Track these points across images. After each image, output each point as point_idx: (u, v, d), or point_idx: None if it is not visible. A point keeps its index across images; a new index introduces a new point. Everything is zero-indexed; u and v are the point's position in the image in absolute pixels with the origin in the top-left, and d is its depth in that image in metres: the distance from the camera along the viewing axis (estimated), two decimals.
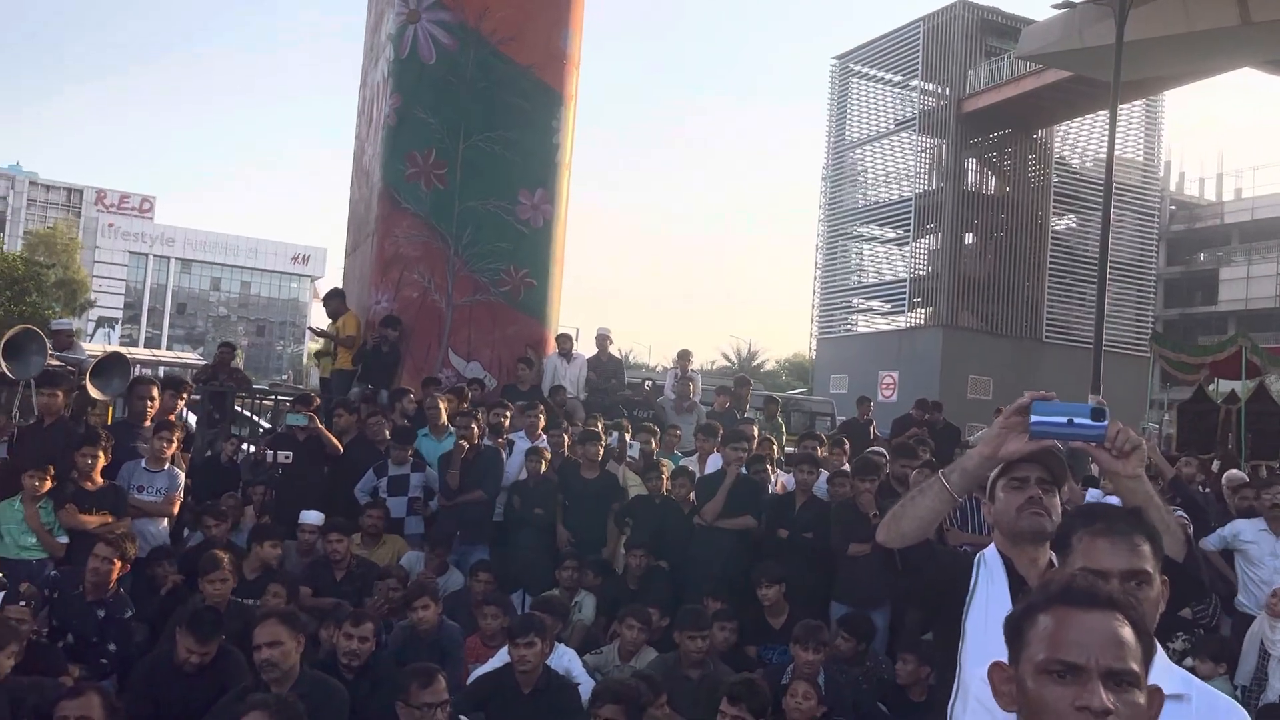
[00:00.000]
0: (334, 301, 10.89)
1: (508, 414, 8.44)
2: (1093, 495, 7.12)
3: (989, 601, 2.53)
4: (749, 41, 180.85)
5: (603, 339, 11.66)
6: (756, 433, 9.31)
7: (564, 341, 11.04)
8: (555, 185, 11.27)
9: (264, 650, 4.33)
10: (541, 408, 8.80)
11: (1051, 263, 37.22)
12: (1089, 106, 34.76)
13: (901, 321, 38.56)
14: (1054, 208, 37.82)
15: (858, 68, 40.59)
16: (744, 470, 7.31)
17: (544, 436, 8.38)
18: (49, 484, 6.11)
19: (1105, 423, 2.26)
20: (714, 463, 7.87)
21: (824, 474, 7.63)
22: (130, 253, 75.29)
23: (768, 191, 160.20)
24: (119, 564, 5.54)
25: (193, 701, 4.53)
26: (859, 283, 41.04)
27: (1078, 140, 38.99)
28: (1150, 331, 33.32)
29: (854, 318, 41.58)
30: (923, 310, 37.68)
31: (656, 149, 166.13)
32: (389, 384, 9.52)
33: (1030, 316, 36.82)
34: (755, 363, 59.13)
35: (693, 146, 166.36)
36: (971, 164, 37.81)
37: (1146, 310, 39.78)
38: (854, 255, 41.61)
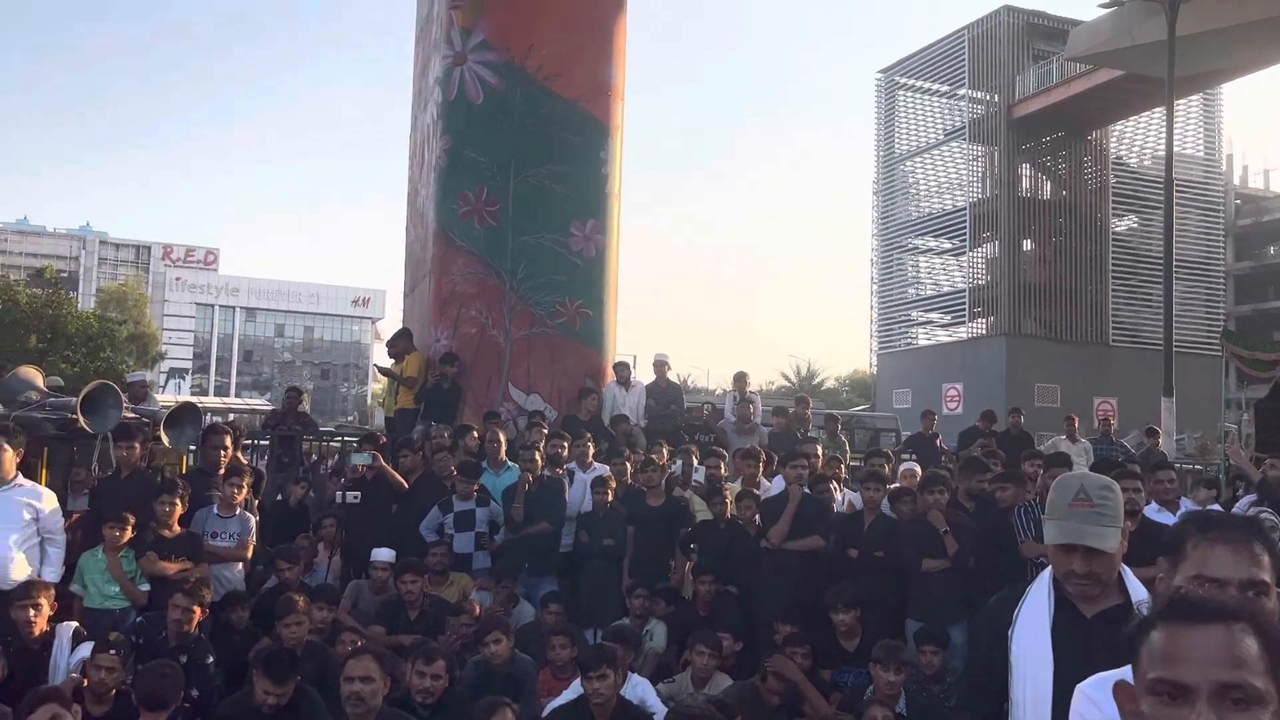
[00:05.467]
0: (400, 342, 11.05)
1: (565, 444, 8.48)
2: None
3: (1028, 621, 2.50)
4: (789, 61, 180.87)
5: (661, 365, 11.67)
6: (821, 452, 9.23)
7: (622, 370, 11.07)
8: (606, 216, 11.36)
9: (356, 683, 4.39)
10: (589, 436, 8.83)
11: (1114, 265, 36.49)
12: (1144, 104, 34.16)
13: (963, 332, 38.03)
14: (1114, 209, 37.12)
15: (904, 80, 40.36)
16: (808, 490, 7.24)
17: (596, 465, 8.41)
18: (129, 533, 6.26)
19: None
20: (777, 484, 7.82)
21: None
22: (197, 304, 77.26)
23: (818, 209, 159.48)
24: (198, 610, 5.66)
25: None
26: (917, 295, 40.59)
27: (1134, 139, 38.29)
28: (1221, 330, 32.41)
29: (914, 331, 41.11)
30: (984, 320, 37.12)
31: (704, 174, 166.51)
32: (451, 420, 9.62)
33: (1096, 321, 36.08)
34: (815, 381, 58.69)
35: (739, 169, 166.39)
36: (1025, 170, 37.30)
37: (1217, 308, 38.76)
38: (910, 268, 41.20)
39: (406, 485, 8.09)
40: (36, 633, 5.28)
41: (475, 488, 7.87)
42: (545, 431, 8.81)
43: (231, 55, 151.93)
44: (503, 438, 8.54)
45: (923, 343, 40.32)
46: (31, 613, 5.26)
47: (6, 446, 5.85)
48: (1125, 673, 1.98)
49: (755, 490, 7.81)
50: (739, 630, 6.39)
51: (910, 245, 40.85)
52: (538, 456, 7.93)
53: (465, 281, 10.78)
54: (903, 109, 40.67)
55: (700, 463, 8.71)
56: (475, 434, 8.80)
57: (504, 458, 8.39)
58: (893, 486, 7.52)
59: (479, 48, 11.00)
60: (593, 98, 11.31)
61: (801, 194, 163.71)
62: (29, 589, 5.38)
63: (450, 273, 10.85)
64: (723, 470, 8.31)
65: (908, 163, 40.54)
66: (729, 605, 6.93)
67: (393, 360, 10.99)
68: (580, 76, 11.22)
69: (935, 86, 39.35)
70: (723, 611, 6.82)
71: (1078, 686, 2.06)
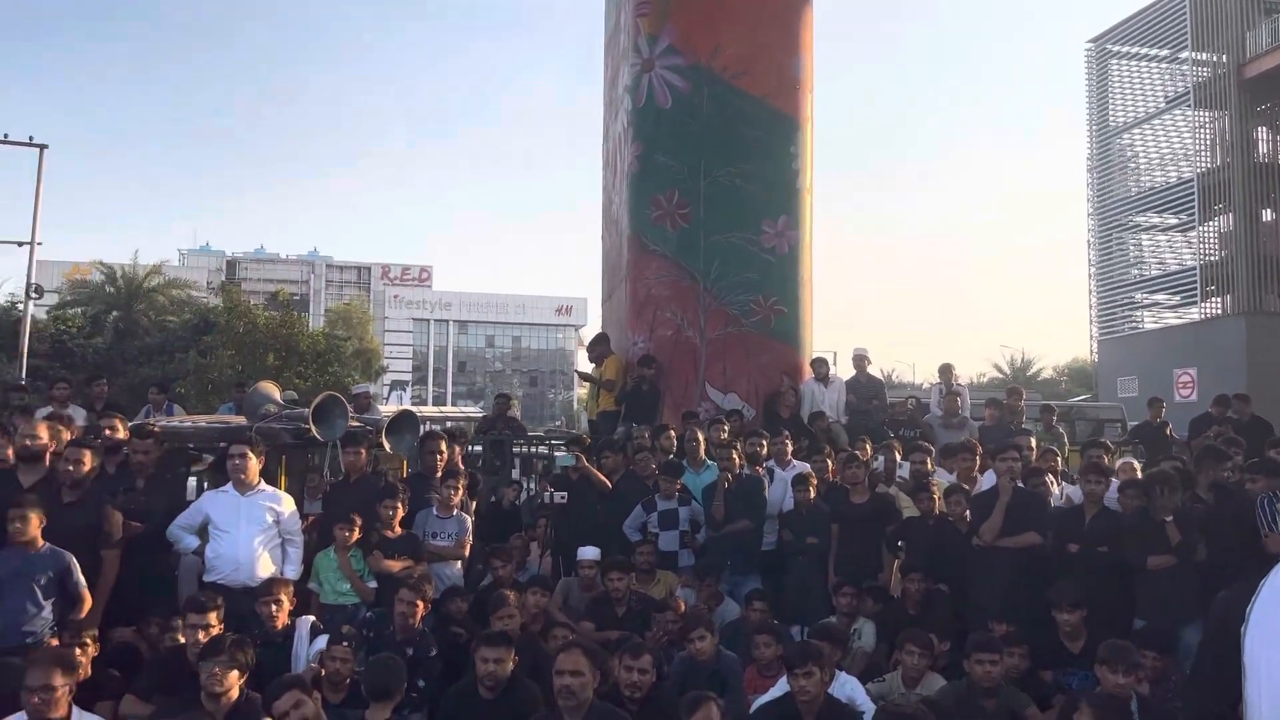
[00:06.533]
0: (598, 347, 11.35)
1: (763, 442, 8.44)
2: None
3: (1263, 618, 2.29)
4: (986, 40, 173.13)
5: (860, 359, 11.44)
6: (1035, 444, 8.80)
7: (820, 366, 10.93)
8: (798, 211, 11.26)
9: (566, 677, 4.55)
10: (788, 434, 8.76)
11: None
12: None
13: (1194, 313, 35.18)
14: None
15: (1116, 48, 37.81)
16: (1020, 484, 6.90)
17: (795, 463, 8.32)
18: (357, 534, 6.71)
19: None
20: (988, 479, 7.50)
21: (1114, 483, 7.10)
22: (414, 320, 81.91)
23: (1026, 191, 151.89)
24: (421, 606, 5.99)
25: None
26: (1140, 276, 37.88)
27: None
28: None
29: (1139, 314, 38.38)
30: (1218, 299, 34.20)
31: (904, 161, 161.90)
32: (651, 421, 9.77)
33: None
34: (1030, 372, 55.93)
35: (941, 154, 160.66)
36: (1261, 133, 34.13)
37: None
38: (1132, 247, 38.50)
39: (610, 485, 8.28)
40: (279, 626, 5.72)
41: (678, 487, 7.97)
42: (727, 429, 8.81)
43: (425, 77, 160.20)
44: (701, 437, 8.59)
45: (1149, 326, 37.58)
46: (274, 608, 5.71)
47: (251, 455, 6.39)
48: None
49: (965, 486, 7.55)
50: (949, 629, 6.17)
51: (1131, 223, 38.16)
52: (735, 455, 7.93)
53: (660, 285, 10.93)
54: (1117, 78, 38.11)
55: (904, 458, 8.48)
56: (671, 433, 8.90)
57: (703, 457, 8.45)
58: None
59: (666, 52, 11.15)
60: (780, 93, 11.24)
61: (1007, 176, 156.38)
62: (271, 586, 5.84)
63: (645, 277, 11.03)
64: (929, 465, 8.06)
65: (1125, 135, 37.93)
66: (939, 604, 6.72)
67: (592, 365, 11.27)
68: (767, 72, 11.18)
69: (1153, 51, 36.63)
70: (933, 610, 6.62)
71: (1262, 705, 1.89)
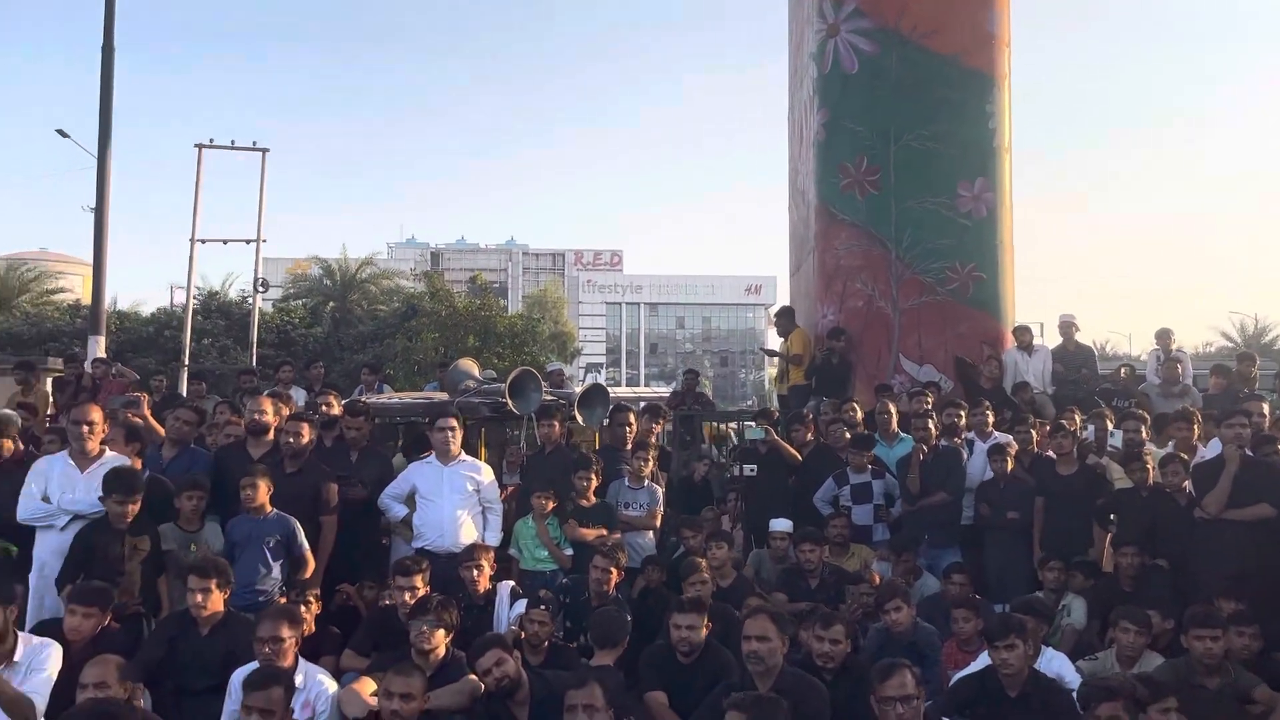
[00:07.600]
0: (783, 320, 11.25)
1: (961, 413, 8.13)
2: None
3: None
4: None
5: (1067, 326, 10.85)
6: (1268, 411, 8.08)
7: (1023, 334, 10.44)
8: (996, 172, 10.77)
9: (754, 643, 4.60)
10: (987, 405, 8.39)
11: None
12: None
13: None
14: None
15: None
16: (1250, 453, 6.36)
17: (996, 434, 7.99)
18: (553, 503, 6.92)
19: None
20: (1213, 448, 6.95)
21: None
22: (606, 303, 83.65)
23: (1253, 140, 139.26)
24: (615, 573, 6.13)
25: (689, 689, 4.93)
26: None
27: None
28: None
29: None
30: None
31: (1117, 119, 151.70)
32: (842, 394, 9.59)
33: None
34: (1266, 339, 51.38)
35: (1157, 103, 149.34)
36: None
37: None
38: None
39: (800, 458, 8.20)
40: (481, 590, 5.98)
41: (868, 459, 7.80)
42: (930, 400, 8.52)
43: (607, 60, 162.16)
44: (893, 409, 8.37)
45: None
46: (475, 572, 5.97)
47: (456, 427, 6.69)
48: None
49: (1184, 455, 7.03)
50: (1168, 607, 5.76)
51: None
52: (931, 426, 7.69)
53: (849, 254, 10.70)
54: None
55: (1116, 427, 7.98)
56: (854, 405, 8.70)
57: (895, 429, 8.23)
58: None
59: (852, 16, 10.88)
60: (974, 50, 10.77)
61: (1235, 124, 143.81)
62: (473, 551, 6.11)
63: (833, 247, 10.82)
64: (1143, 434, 7.55)
65: None
66: (1157, 580, 6.30)
67: (780, 339, 11.18)
68: (958, 30, 10.74)
69: None
70: (1149, 586, 6.22)
71: None
